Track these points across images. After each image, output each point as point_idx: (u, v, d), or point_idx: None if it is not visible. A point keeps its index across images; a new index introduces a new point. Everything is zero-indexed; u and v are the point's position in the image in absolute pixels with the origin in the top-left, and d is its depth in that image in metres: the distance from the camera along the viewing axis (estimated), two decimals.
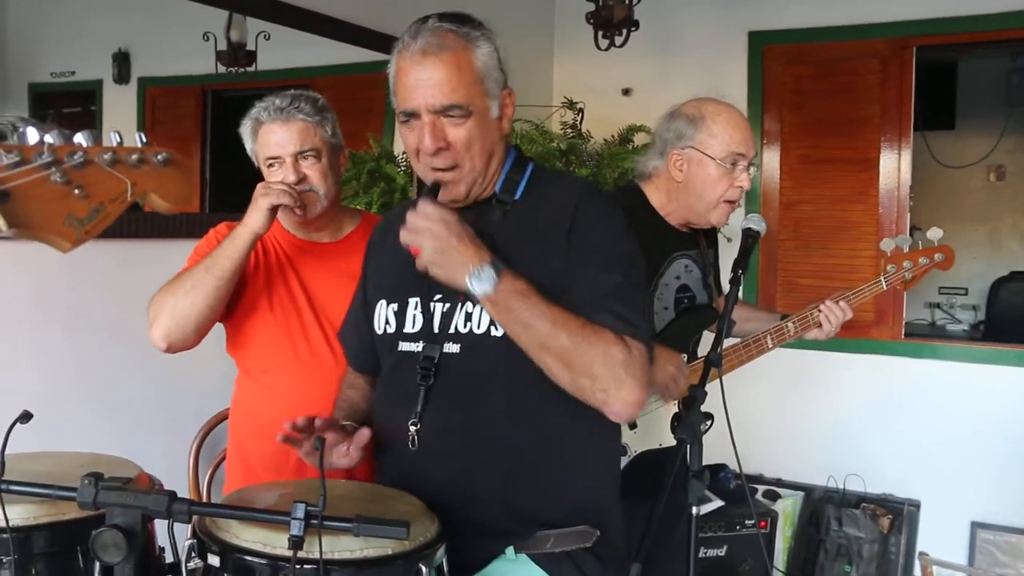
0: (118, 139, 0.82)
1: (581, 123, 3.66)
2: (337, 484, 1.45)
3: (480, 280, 1.34)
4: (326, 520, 1.07)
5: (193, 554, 1.18)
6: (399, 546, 1.18)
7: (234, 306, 1.94)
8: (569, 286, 1.42)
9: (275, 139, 1.90)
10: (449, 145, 1.44)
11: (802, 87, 3.87)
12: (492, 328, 1.43)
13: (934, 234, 2.30)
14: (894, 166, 3.72)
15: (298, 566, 1.09)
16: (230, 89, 3.05)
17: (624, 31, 3.45)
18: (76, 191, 0.80)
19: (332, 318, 1.92)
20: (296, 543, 1.05)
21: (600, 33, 3.60)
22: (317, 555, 1.09)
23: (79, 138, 0.81)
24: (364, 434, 1.46)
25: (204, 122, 3.07)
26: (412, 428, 1.46)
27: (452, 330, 1.47)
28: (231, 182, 3.09)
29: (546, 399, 1.42)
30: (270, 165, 1.93)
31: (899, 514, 3.59)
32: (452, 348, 1.46)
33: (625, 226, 1.51)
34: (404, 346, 1.52)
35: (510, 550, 1.44)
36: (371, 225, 2.00)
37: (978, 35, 3.66)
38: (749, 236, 2.11)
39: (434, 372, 1.46)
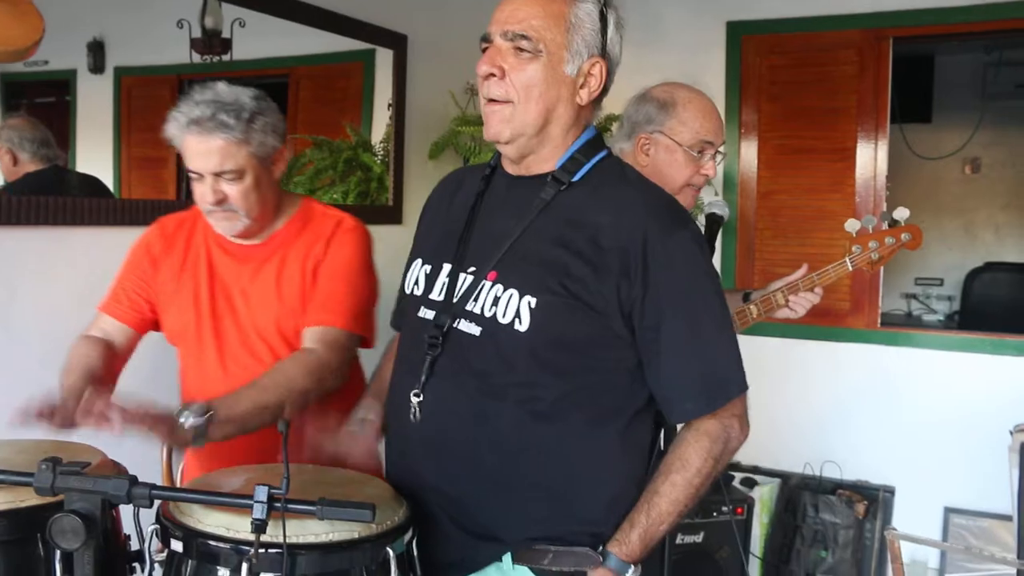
0: None
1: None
2: (304, 469, 1.44)
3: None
4: (289, 503, 1.06)
5: (156, 539, 1.17)
6: (365, 529, 1.18)
7: (161, 309, 1.90)
8: (651, 333, 1.37)
9: (193, 153, 1.72)
10: (504, 75, 1.37)
11: (779, 77, 3.88)
12: (516, 321, 1.35)
13: (900, 214, 2.24)
14: (871, 156, 3.73)
15: (262, 550, 1.08)
16: (207, 79, 3.01)
17: None
18: None
19: (248, 322, 1.83)
20: (259, 527, 1.04)
21: None
22: (281, 539, 1.08)
23: None
24: (372, 425, 1.52)
25: None
26: (415, 399, 1.40)
27: (476, 309, 1.39)
28: None
29: (564, 408, 1.38)
30: (194, 175, 1.76)
31: (874, 500, 3.62)
32: (471, 328, 1.39)
33: (702, 251, 1.44)
34: (424, 312, 1.46)
35: (507, 559, 1.39)
36: (307, 217, 1.90)
37: (953, 27, 3.68)
38: (714, 221, 2.11)
39: (441, 342, 1.40)
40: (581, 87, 1.41)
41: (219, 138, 1.69)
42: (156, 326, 1.94)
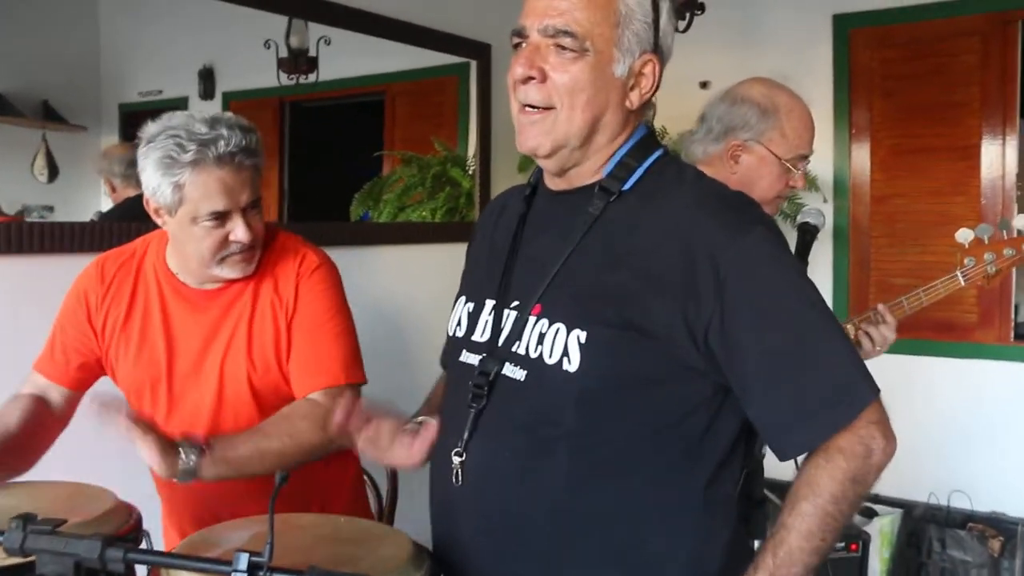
0: None
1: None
2: (324, 520, 1.34)
3: None
4: (274, 572, 0.96)
5: None
6: None
7: (108, 363, 1.72)
8: (739, 356, 1.15)
9: (224, 188, 1.52)
10: (545, 78, 1.19)
11: (892, 72, 3.59)
12: (565, 360, 1.16)
13: (1021, 222, 1.99)
14: (997, 154, 3.39)
15: None
16: (305, 100, 3.08)
17: (687, 15, 3.26)
18: None
19: (212, 383, 1.63)
20: None
21: None
22: None
23: None
24: (432, 427, 1.28)
25: (282, 133, 3.11)
26: (456, 459, 1.24)
27: (521, 350, 1.22)
28: (308, 191, 3.15)
29: (628, 461, 1.19)
30: (213, 218, 1.54)
31: (1012, 536, 3.26)
32: (517, 373, 1.21)
33: (782, 248, 1.21)
34: (466, 356, 1.30)
35: None
36: (276, 258, 1.67)
37: None
38: (806, 231, 1.90)
39: (487, 393, 1.23)
40: (631, 89, 1.22)
41: (247, 166, 1.55)
42: (98, 377, 1.74)
